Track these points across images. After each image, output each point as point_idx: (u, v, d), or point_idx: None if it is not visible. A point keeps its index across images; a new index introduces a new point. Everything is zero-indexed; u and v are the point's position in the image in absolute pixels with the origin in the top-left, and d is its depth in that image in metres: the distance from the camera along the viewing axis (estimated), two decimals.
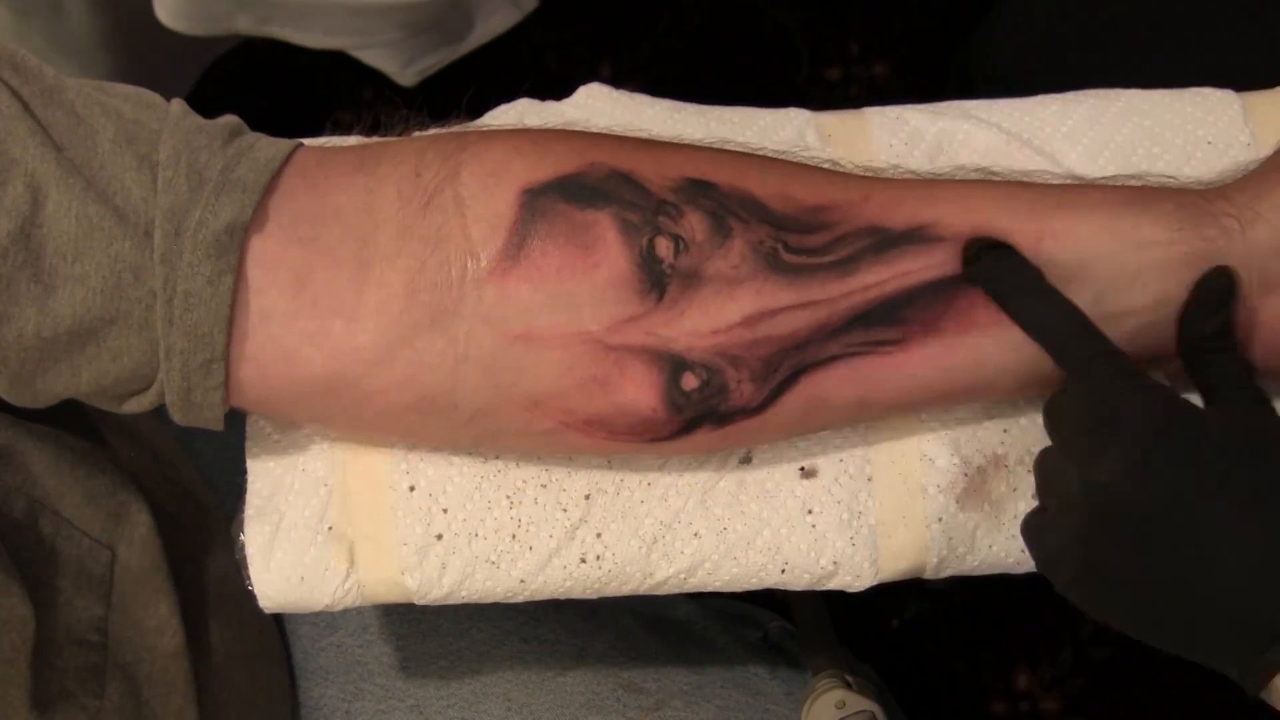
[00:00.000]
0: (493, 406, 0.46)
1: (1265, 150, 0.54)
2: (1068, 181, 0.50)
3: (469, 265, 0.45)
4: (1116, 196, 0.48)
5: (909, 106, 0.56)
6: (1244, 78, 0.57)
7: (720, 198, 0.46)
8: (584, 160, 0.46)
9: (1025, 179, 0.50)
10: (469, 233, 0.45)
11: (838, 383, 0.47)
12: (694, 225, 0.46)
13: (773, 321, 0.46)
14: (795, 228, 0.46)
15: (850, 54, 1.30)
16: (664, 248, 0.45)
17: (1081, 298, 0.46)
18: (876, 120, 0.56)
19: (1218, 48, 0.70)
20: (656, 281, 0.45)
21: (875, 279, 0.46)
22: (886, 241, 0.46)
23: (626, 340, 0.45)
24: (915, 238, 0.46)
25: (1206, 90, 0.56)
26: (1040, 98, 0.56)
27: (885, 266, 0.46)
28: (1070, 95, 0.56)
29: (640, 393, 0.46)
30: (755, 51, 1.31)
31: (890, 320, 0.46)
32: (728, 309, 0.46)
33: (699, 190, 0.46)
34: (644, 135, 0.49)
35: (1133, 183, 0.50)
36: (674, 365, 0.45)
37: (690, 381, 0.46)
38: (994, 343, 0.47)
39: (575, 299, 0.45)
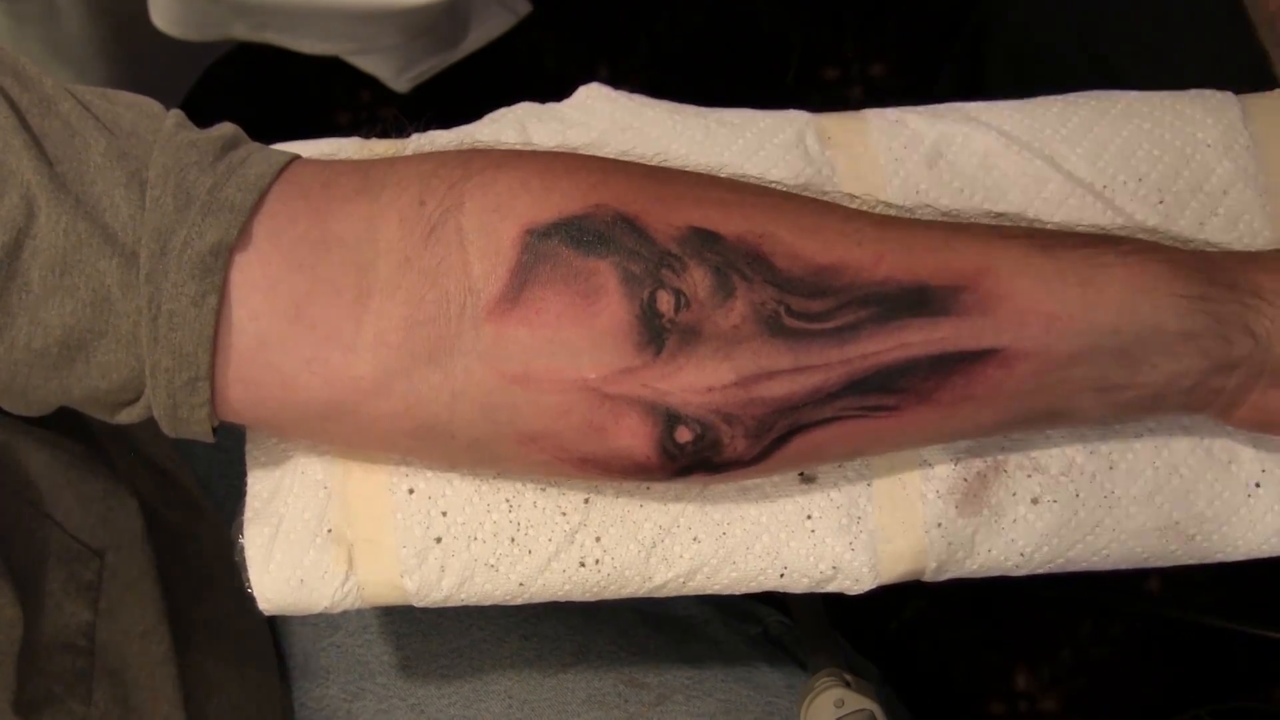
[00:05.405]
0: (488, 439, 0.46)
1: (1265, 152, 0.54)
2: (1088, 228, 0.48)
3: (468, 302, 0.44)
4: (1140, 273, 0.46)
5: (909, 109, 0.56)
6: (1244, 80, 0.57)
7: (726, 252, 0.45)
8: (589, 201, 0.45)
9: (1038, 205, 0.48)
10: (470, 269, 0.44)
11: (831, 440, 0.47)
12: (696, 281, 0.45)
13: (768, 384, 0.45)
14: (800, 290, 0.45)
15: (847, 55, 1.30)
16: (665, 302, 0.44)
17: (1084, 373, 0.46)
18: (876, 123, 0.55)
19: (1218, 49, 0.70)
20: (655, 336, 0.44)
21: (874, 348, 0.45)
22: (889, 312, 0.45)
23: (622, 391, 0.45)
24: (919, 310, 0.45)
25: (1207, 92, 0.55)
26: (1040, 100, 0.56)
27: (886, 337, 0.45)
28: (1070, 97, 0.56)
29: (635, 441, 0.45)
30: (753, 53, 1.31)
31: (885, 389, 0.45)
32: (723, 368, 0.45)
33: (704, 242, 0.45)
34: (659, 159, 0.48)
35: (1158, 232, 0.48)
36: (668, 418, 0.45)
37: (684, 435, 0.45)
38: (991, 411, 0.46)
39: (573, 346, 0.44)
